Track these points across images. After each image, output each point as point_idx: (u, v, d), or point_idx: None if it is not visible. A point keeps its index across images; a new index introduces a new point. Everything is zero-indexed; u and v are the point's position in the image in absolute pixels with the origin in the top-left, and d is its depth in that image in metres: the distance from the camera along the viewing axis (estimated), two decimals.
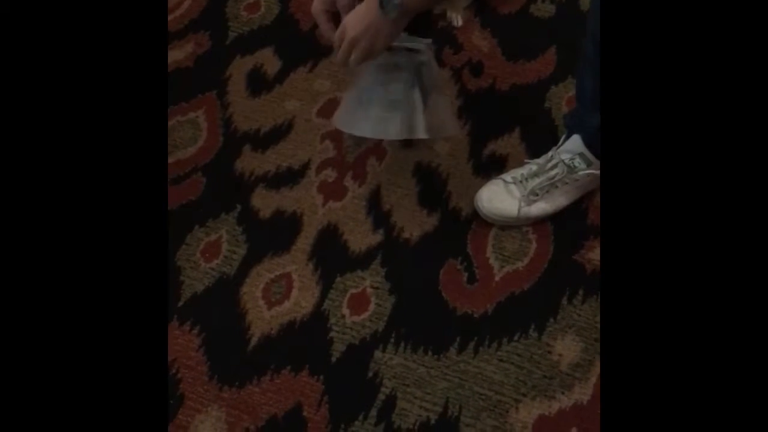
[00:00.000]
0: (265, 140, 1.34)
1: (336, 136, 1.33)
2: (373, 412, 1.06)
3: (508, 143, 1.30)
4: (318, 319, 1.14)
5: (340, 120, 1.17)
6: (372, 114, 1.09)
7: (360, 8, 0.98)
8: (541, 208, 1.19)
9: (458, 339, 1.12)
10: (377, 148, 1.31)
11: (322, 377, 1.09)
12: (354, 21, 0.99)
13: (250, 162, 1.31)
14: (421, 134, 1.09)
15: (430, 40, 1.08)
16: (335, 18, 1.04)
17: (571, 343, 1.11)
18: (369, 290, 1.17)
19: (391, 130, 1.09)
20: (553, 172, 1.17)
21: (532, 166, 1.20)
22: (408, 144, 1.29)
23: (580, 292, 1.14)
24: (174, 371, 1.11)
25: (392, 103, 1.08)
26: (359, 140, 1.32)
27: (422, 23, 1.04)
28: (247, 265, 1.20)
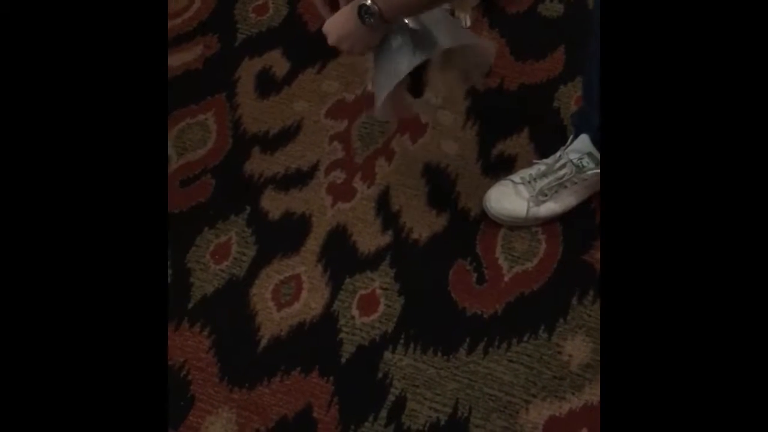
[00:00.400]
0: (273, 142, 1.34)
1: (344, 137, 1.33)
2: (383, 413, 1.06)
3: (517, 143, 1.30)
4: (327, 320, 1.15)
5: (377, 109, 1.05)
6: (387, 69, 1.01)
7: (339, 15, 0.96)
8: (549, 208, 1.19)
9: (468, 340, 1.12)
10: (386, 148, 1.31)
11: (332, 378, 1.10)
12: (332, 27, 0.97)
13: (259, 164, 1.32)
14: (444, 43, 0.99)
15: None
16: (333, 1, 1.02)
17: (581, 343, 1.10)
18: (378, 291, 1.17)
19: (403, 66, 0.99)
20: (561, 172, 1.17)
21: (540, 166, 1.19)
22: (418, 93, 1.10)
23: (590, 292, 1.14)
24: (184, 373, 1.11)
25: (397, 52, 1.00)
26: (368, 141, 1.32)
27: None
28: (256, 267, 1.20)
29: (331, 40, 0.98)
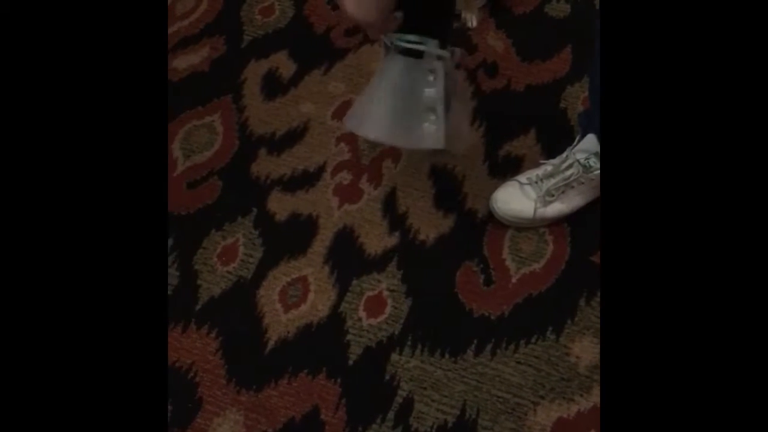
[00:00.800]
0: (280, 143, 1.34)
1: (351, 138, 1.33)
2: (391, 415, 1.06)
3: (524, 144, 1.30)
4: (334, 322, 1.15)
5: (364, 126, 1.10)
6: (406, 123, 1.05)
7: None
8: (557, 208, 1.18)
9: (475, 341, 1.11)
10: (392, 150, 1.31)
11: (339, 380, 1.10)
12: None
13: (265, 165, 1.32)
14: (448, 145, 1.07)
15: (458, 50, 1.06)
16: None
17: (589, 344, 1.10)
18: (385, 293, 1.17)
19: (428, 140, 1.06)
20: (568, 173, 1.16)
21: (547, 166, 1.19)
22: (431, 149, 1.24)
23: (598, 293, 1.13)
24: (192, 375, 1.11)
25: (426, 112, 1.05)
26: (374, 142, 1.32)
27: (440, 22, 1.03)
28: (263, 269, 1.20)
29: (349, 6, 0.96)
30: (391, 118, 1.06)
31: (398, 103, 1.04)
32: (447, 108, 1.06)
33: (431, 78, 1.03)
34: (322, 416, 1.07)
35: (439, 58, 1.03)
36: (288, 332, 1.14)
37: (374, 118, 1.08)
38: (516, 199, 1.19)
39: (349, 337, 1.13)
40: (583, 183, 1.16)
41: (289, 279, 1.19)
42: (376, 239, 1.22)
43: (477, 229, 1.22)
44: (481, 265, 1.18)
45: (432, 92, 1.03)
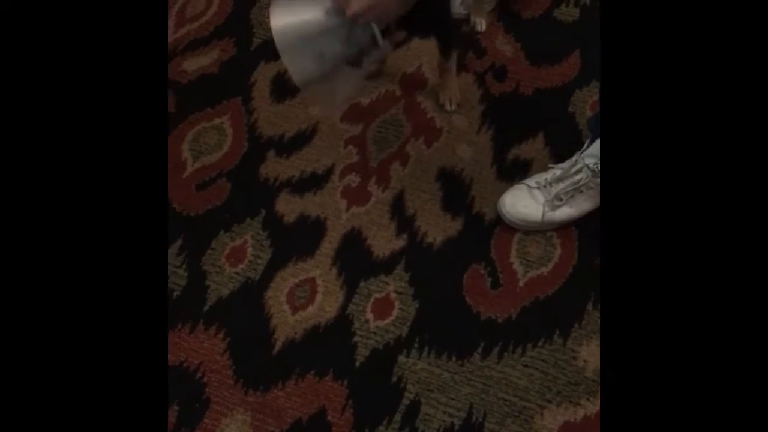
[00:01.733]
0: (289, 145, 1.34)
1: (359, 141, 1.33)
2: (397, 417, 1.06)
3: (532, 148, 1.30)
4: (342, 323, 1.15)
5: (288, 38, 1.00)
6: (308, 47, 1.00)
7: None
8: (565, 212, 1.18)
9: (482, 344, 1.11)
10: (401, 152, 1.31)
11: (346, 382, 1.10)
12: None
13: (274, 167, 1.32)
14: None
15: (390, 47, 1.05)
16: None
17: (596, 349, 1.10)
18: (393, 295, 1.17)
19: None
20: (577, 177, 1.16)
21: (556, 170, 1.19)
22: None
23: None
24: (200, 375, 1.12)
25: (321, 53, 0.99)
26: (383, 145, 1.32)
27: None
28: (271, 270, 1.21)
29: (354, 8, 0.92)
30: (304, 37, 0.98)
31: (323, 44, 1.00)
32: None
33: (357, 40, 0.98)
34: (329, 417, 1.07)
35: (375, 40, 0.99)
36: (295, 333, 1.15)
37: (299, 37, 0.99)
38: (524, 202, 1.19)
39: (356, 338, 1.13)
40: (591, 188, 1.16)
41: (296, 280, 1.20)
42: (384, 241, 1.22)
43: (485, 232, 1.22)
44: (489, 268, 1.18)
45: (337, 47, 0.98)
